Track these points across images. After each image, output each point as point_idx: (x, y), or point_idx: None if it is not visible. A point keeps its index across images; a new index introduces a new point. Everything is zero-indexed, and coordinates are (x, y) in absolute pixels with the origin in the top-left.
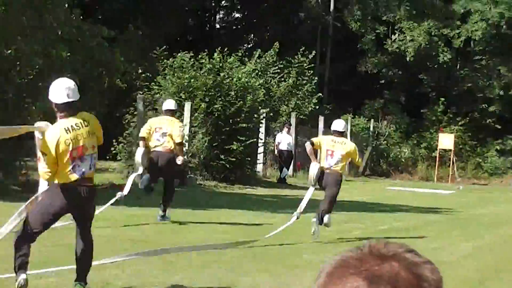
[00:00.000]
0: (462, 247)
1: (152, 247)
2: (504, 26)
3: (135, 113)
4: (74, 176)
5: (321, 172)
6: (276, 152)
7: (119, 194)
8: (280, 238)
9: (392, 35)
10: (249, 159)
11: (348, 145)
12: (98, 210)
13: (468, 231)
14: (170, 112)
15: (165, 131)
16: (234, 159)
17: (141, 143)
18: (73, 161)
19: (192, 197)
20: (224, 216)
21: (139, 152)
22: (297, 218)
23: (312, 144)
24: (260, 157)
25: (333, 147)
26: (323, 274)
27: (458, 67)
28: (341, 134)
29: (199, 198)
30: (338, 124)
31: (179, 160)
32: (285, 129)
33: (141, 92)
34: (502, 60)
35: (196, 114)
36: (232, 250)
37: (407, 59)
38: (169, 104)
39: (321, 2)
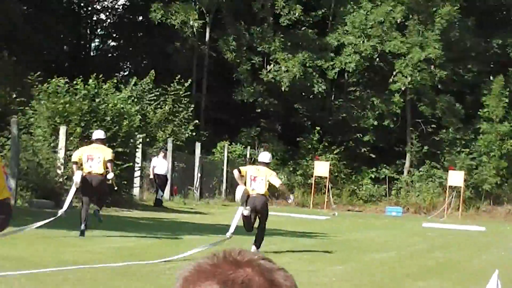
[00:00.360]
0: (336, 270)
1: (25, 266)
2: (377, 59)
3: (9, 136)
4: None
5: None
6: (151, 176)
7: (60, 212)
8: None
9: (267, 66)
10: (125, 182)
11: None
12: (34, 226)
13: (343, 255)
14: (100, 141)
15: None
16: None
17: (74, 166)
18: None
19: (67, 219)
20: (99, 238)
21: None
22: (229, 238)
23: (239, 171)
24: (137, 181)
25: (257, 174)
26: (179, 279)
27: (333, 97)
28: (267, 164)
29: (74, 220)
30: (264, 156)
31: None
32: (161, 154)
33: (15, 116)
34: (375, 91)
35: (71, 138)
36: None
37: (283, 89)
38: (98, 134)
39: (196, 32)
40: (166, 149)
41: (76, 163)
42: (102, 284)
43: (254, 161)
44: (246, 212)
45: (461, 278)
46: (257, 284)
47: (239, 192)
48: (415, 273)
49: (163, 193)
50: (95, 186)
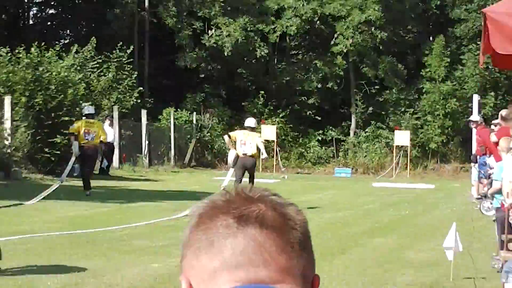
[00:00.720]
0: None
1: None
2: (318, 22)
3: None
4: None
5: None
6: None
7: (59, 181)
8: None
9: (209, 31)
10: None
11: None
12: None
13: None
14: (91, 116)
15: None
16: (58, 152)
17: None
18: None
19: (18, 190)
20: (52, 208)
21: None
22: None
23: (229, 136)
24: None
25: (246, 138)
26: (194, 216)
27: (275, 61)
28: (253, 129)
29: (25, 191)
30: (250, 121)
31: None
32: (107, 122)
33: None
34: (317, 54)
35: (16, 108)
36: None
37: (225, 53)
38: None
39: None
40: (112, 117)
41: (73, 134)
42: (61, 251)
43: (200, 127)
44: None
45: (417, 233)
46: (270, 218)
47: (231, 155)
48: (371, 229)
49: (112, 161)
50: (91, 155)
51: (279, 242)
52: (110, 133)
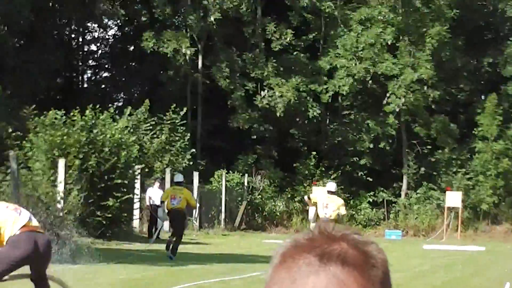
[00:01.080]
0: None
1: None
2: (370, 81)
3: (8, 171)
4: None
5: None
6: (147, 207)
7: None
8: None
9: (261, 91)
10: (125, 215)
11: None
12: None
13: None
14: (180, 184)
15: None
16: (110, 215)
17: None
18: None
19: (69, 254)
20: (103, 271)
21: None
22: None
23: (309, 198)
24: (136, 212)
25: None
26: (277, 255)
27: (328, 121)
28: (333, 193)
29: (76, 254)
30: (330, 186)
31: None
32: (156, 184)
33: (13, 151)
34: (370, 113)
35: (70, 171)
36: None
37: (277, 114)
38: (178, 177)
39: (189, 59)
40: (162, 179)
41: (163, 202)
42: None
43: (252, 189)
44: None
45: None
46: (352, 256)
47: (311, 212)
48: None
49: (162, 224)
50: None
51: (361, 280)
52: (159, 195)
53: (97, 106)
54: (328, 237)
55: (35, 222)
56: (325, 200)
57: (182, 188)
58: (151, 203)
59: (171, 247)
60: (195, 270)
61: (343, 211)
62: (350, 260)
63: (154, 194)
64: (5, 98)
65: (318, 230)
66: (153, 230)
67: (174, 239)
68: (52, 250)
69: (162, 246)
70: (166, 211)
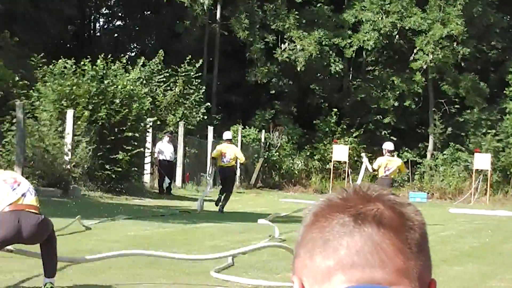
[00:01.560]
0: None
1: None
2: (397, 36)
3: (14, 121)
4: None
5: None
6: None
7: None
8: None
9: (282, 44)
10: (136, 169)
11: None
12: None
13: None
14: (229, 141)
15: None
16: (120, 169)
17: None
18: None
19: (77, 208)
20: (113, 226)
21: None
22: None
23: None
24: (147, 167)
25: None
26: (309, 214)
27: (350, 77)
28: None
29: (85, 209)
30: (390, 145)
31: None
32: (166, 138)
33: (19, 100)
34: (395, 70)
35: (79, 123)
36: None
37: (298, 69)
38: (227, 134)
39: (207, 10)
40: (172, 132)
41: (214, 158)
42: (125, 271)
43: (269, 146)
44: None
45: (500, 262)
46: (388, 217)
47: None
48: (449, 258)
49: (171, 180)
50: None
51: (397, 242)
52: (168, 150)
53: (109, 56)
54: (363, 197)
55: (28, 199)
56: (385, 162)
57: (232, 145)
58: (160, 158)
59: (220, 203)
60: (208, 228)
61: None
62: (386, 221)
63: (164, 149)
64: (14, 45)
65: (353, 189)
66: (161, 185)
67: (223, 195)
68: (45, 229)
69: (176, 203)
70: (213, 171)
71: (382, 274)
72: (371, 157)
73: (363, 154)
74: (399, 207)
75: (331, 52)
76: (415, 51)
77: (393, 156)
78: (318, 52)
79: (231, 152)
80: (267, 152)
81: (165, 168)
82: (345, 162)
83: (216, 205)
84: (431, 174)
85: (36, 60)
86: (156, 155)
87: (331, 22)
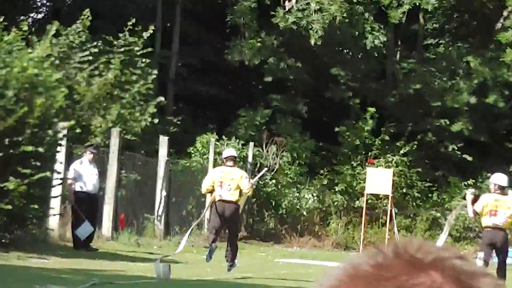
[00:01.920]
0: None
1: None
2: None
3: None
4: None
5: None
6: (69, 195)
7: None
8: None
9: (285, 2)
10: (36, 207)
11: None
12: None
13: None
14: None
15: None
16: (9, 207)
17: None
18: None
19: None
20: None
21: None
22: None
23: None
24: (56, 203)
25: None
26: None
27: (398, 56)
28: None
29: None
30: (501, 177)
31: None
32: (87, 156)
33: None
34: (471, 45)
35: None
36: None
37: (311, 42)
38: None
39: None
40: (97, 147)
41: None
42: None
43: (260, 168)
44: None
45: None
46: None
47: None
48: None
49: (94, 225)
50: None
51: None
52: (91, 175)
53: (1, 20)
54: (411, 263)
55: None
56: (492, 203)
57: (234, 169)
58: (77, 190)
59: (228, 263)
60: None
61: None
62: None
63: (84, 173)
64: None
65: (393, 249)
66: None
67: (228, 245)
68: None
69: (100, 265)
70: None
71: None
72: (430, 187)
73: (470, 195)
74: (468, 280)
75: (366, 15)
76: (505, 13)
77: (506, 194)
78: (344, 14)
79: (231, 180)
80: (258, 180)
81: (85, 206)
82: (387, 196)
83: (227, 260)
84: None
85: None
86: (70, 183)
87: None
